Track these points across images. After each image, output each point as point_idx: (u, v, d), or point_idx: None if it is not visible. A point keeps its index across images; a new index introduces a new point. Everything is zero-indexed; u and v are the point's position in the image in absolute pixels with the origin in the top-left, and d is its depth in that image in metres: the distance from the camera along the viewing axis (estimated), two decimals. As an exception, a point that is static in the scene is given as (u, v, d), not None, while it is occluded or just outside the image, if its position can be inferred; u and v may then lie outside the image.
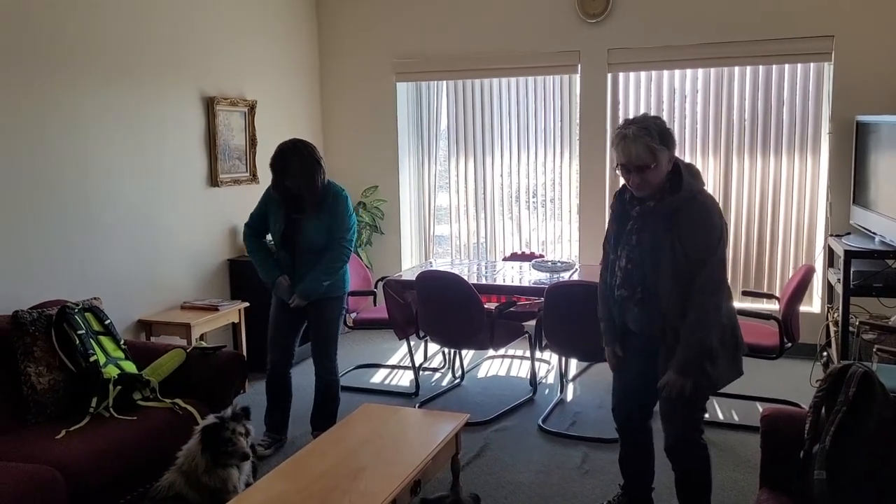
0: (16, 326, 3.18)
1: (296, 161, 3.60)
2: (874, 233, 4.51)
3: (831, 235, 4.98)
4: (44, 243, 3.79)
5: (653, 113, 5.49)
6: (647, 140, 2.54)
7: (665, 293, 2.61)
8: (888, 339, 4.48)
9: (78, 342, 3.23)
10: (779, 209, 5.38)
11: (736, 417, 4.21)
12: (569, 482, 3.50)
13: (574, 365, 5.10)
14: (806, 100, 5.22)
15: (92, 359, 3.23)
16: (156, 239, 4.54)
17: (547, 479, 3.54)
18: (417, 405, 4.48)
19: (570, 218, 5.97)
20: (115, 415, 3.14)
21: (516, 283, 4.59)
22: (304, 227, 3.69)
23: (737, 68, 5.32)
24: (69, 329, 3.25)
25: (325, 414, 3.89)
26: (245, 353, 4.72)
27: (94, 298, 3.62)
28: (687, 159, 5.48)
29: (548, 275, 4.58)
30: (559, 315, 3.99)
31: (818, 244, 5.31)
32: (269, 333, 3.90)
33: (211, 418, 2.88)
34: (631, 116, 2.69)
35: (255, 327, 4.91)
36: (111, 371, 3.26)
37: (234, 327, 4.81)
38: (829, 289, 5.06)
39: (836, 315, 4.83)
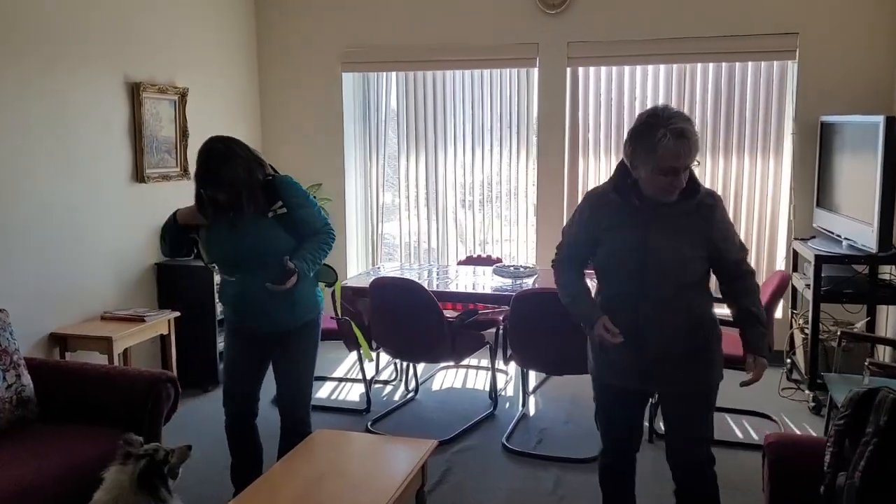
0: None
1: (231, 167, 2.67)
2: (839, 236, 4.39)
3: (796, 239, 4.84)
4: (-65, 247, 3.25)
5: (614, 111, 5.33)
6: (695, 134, 2.27)
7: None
8: (856, 347, 4.36)
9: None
10: (740, 211, 5.22)
11: (708, 431, 3.99)
12: (542, 511, 3.21)
13: (533, 376, 4.81)
14: (769, 99, 5.07)
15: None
16: (72, 241, 4.02)
17: (518, 507, 3.23)
18: (370, 423, 4.11)
19: (526, 219, 5.69)
20: None
21: (477, 290, 4.27)
22: (251, 236, 2.77)
23: (699, 65, 5.14)
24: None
25: None
26: (175, 369, 4.24)
27: (0, 310, 3.12)
28: (648, 159, 5.30)
29: (510, 281, 4.27)
30: (528, 325, 3.68)
31: (780, 248, 5.17)
32: (225, 379, 3.07)
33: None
34: (664, 108, 2.29)
35: (187, 340, 4.44)
36: None
37: (163, 340, 4.32)
38: (793, 294, 4.92)
39: (801, 321, 4.70)
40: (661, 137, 2.20)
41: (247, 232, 2.77)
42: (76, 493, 2.58)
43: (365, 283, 4.25)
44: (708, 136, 5.18)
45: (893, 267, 4.30)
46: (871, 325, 4.60)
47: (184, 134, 4.84)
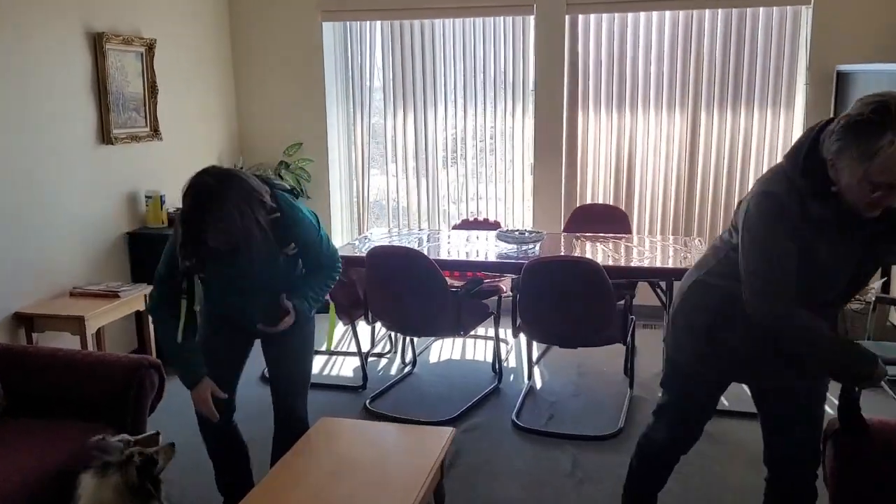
0: None
1: (222, 210, 2.15)
2: (856, 194, 4.17)
3: (809, 197, 4.62)
4: None
5: (616, 63, 4.99)
6: None
7: None
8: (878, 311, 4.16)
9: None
10: (749, 167, 4.97)
11: (726, 402, 3.79)
12: (563, 496, 2.97)
13: (535, 346, 4.57)
14: (781, 48, 4.78)
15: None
16: (34, 209, 3.63)
17: (538, 493, 3.00)
18: (368, 401, 3.84)
19: (523, 179, 5.38)
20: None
21: (480, 258, 3.98)
22: (263, 277, 2.43)
23: (707, 12, 4.82)
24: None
25: None
26: (154, 349, 3.90)
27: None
28: (652, 114, 5.02)
29: (515, 247, 3.98)
30: (541, 296, 3.40)
31: (788, 205, 4.95)
32: None
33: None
34: (879, 99, 1.68)
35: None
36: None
37: (139, 317, 3.98)
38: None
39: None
40: (885, 144, 1.64)
41: (258, 276, 2.41)
42: (50, 501, 2.28)
43: (353, 252, 3.95)
44: (716, 89, 4.89)
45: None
46: (885, 287, 4.42)
47: (153, 90, 4.41)
